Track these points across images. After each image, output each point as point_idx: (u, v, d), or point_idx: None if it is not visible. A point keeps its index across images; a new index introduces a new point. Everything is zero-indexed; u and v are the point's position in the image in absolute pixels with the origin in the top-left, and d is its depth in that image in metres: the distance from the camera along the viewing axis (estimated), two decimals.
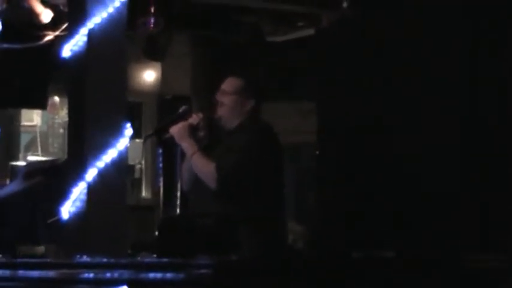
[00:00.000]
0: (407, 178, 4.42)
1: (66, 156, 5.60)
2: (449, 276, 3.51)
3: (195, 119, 4.95)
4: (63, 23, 6.91)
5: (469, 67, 4.19)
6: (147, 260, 3.89)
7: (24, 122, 9.92)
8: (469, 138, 4.19)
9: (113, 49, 4.95)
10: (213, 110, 4.98)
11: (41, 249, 5.19)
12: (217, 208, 4.72)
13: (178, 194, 5.05)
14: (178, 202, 5.06)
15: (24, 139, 10.01)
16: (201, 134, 4.95)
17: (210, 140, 5.00)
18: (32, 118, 10.03)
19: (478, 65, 4.16)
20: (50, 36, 7.38)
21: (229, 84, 4.97)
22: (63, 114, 9.84)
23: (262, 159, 4.79)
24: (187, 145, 4.87)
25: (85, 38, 4.92)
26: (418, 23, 4.46)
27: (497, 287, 3.52)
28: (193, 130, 4.92)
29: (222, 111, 4.92)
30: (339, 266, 3.38)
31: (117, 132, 4.86)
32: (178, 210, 5.09)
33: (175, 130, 4.92)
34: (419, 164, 4.36)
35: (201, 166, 4.81)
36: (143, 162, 9.73)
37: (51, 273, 3.83)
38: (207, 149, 4.91)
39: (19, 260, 4.52)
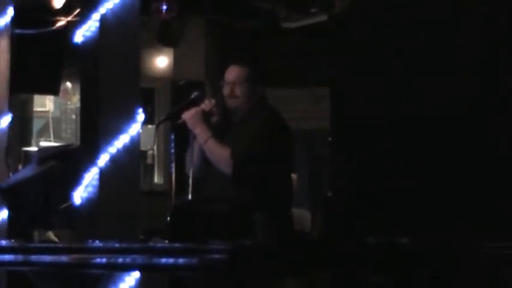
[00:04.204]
0: (422, 164, 4.39)
1: (78, 142, 5.60)
2: (463, 264, 3.50)
3: (207, 104, 4.94)
4: (76, 8, 6.90)
5: (489, 49, 4.15)
6: (160, 245, 3.89)
7: (37, 108, 9.95)
8: (485, 126, 4.16)
9: (126, 34, 4.93)
10: (225, 98, 4.96)
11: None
12: (229, 193, 4.71)
13: (191, 179, 5.04)
14: (190, 188, 5.06)
15: (36, 125, 10.03)
16: (214, 119, 4.94)
17: (223, 125, 4.99)
18: (45, 104, 10.05)
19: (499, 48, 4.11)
20: (62, 22, 7.38)
21: (238, 73, 4.95)
22: (75, 100, 9.87)
23: (276, 144, 4.78)
24: (200, 131, 4.87)
25: (97, 24, 4.90)
26: (436, 5, 4.42)
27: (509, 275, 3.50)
28: (206, 116, 4.91)
29: (234, 102, 4.91)
30: (352, 252, 3.37)
31: (130, 118, 4.84)
32: (190, 196, 5.09)
33: (188, 116, 4.91)
34: (435, 150, 4.34)
35: (215, 152, 4.80)
36: (155, 147, 9.74)
37: (64, 258, 3.84)
38: (219, 134, 4.90)
39: (32, 244, 4.53)
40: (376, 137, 4.76)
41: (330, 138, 5.57)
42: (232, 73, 4.96)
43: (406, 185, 4.47)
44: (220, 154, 4.78)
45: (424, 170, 4.38)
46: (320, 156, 9.73)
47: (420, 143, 4.43)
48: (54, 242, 4.88)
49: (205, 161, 4.90)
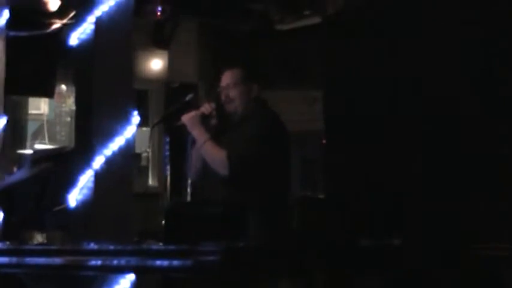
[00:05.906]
0: (415, 166, 4.41)
1: (73, 145, 5.60)
2: (456, 265, 3.51)
3: (207, 108, 4.97)
4: (71, 11, 6.91)
5: (485, 48, 4.16)
6: (154, 247, 3.90)
7: (32, 111, 9.93)
8: (478, 126, 4.18)
9: (120, 37, 4.95)
10: (223, 104, 4.98)
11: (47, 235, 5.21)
12: (225, 196, 4.72)
13: (188, 182, 5.05)
14: (189, 191, 5.06)
15: (31, 127, 10.02)
16: (213, 122, 4.96)
17: (221, 128, 5.01)
18: (39, 106, 10.04)
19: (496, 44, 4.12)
20: (57, 24, 7.39)
21: (230, 76, 4.98)
22: (70, 103, 9.85)
23: (272, 146, 4.80)
24: (198, 133, 4.89)
25: (92, 26, 4.91)
26: (426, 9, 4.44)
27: (506, 275, 3.52)
28: (204, 119, 4.94)
29: (231, 106, 4.94)
30: (346, 254, 3.38)
31: (125, 120, 4.85)
32: (185, 198, 5.10)
33: (187, 118, 4.94)
34: (428, 151, 4.35)
35: (212, 154, 4.82)
36: (149, 150, 9.73)
37: (58, 260, 3.84)
38: (217, 137, 4.92)
39: (26, 246, 4.53)
40: (369, 139, 4.77)
41: (323, 141, 5.56)
42: (225, 78, 5.00)
43: (399, 186, 4.49)
44: (216, 156, 4.80)
45: (419, 171, 4.40)
46: (311, 158, 9.74)
47: (414, 144, 4.45)
48: (42, 244, 4.89)
49: (204, 164, 4.92)
